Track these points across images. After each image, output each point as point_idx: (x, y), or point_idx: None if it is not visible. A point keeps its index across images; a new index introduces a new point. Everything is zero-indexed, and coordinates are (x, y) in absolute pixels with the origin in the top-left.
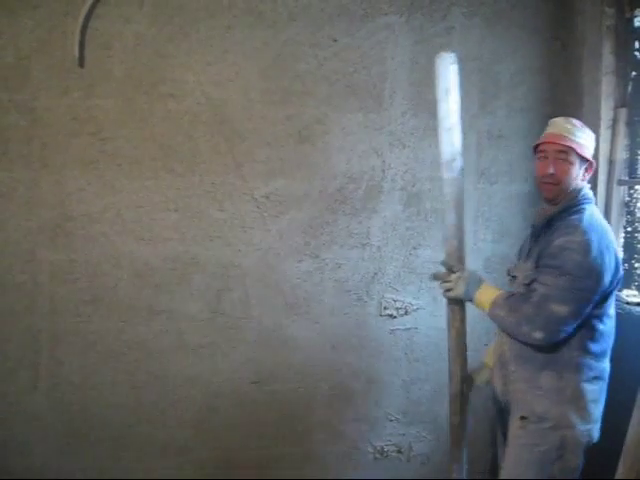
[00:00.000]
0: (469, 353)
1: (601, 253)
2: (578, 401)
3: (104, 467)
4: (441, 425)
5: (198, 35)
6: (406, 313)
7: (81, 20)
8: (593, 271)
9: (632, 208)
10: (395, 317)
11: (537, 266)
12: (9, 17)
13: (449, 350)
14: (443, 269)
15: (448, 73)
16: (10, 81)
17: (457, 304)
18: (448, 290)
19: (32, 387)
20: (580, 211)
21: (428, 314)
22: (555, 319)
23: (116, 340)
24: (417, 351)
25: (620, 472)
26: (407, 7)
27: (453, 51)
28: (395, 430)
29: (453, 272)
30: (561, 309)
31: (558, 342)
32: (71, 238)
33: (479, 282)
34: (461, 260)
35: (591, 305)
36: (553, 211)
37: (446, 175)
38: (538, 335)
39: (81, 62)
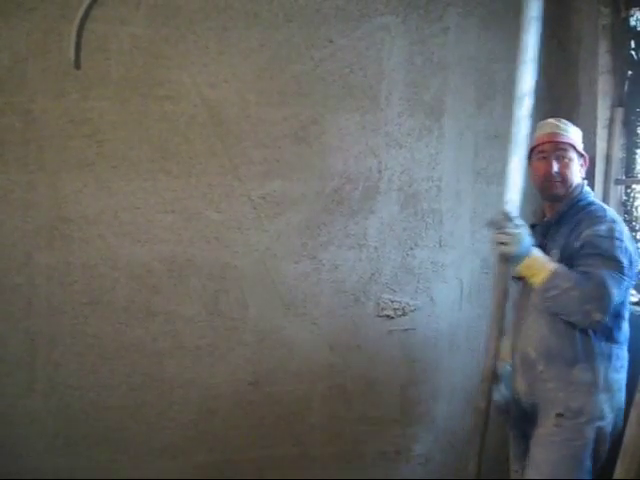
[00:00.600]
0: (466, 352)
1: (629, 240)
2: (608, 392)
3: (102, 469)
4: (439, 426)
5: (194, 36)
6: (403, 314)
7: (77, 22)
8: (628, 256)
9: (629, 207)
10: (393, 318)
11: (561, 259)
12: (5, 20)
13: (491, 317)
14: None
15: (535, 1)
16: (6, 84)
17: (505, 262)
18: (502, 244)
19: (29, 389)
20: (592, 203)
21: (425, 315)
22: (611, 302)
23: (113, 342)
24: (415, 352)
25: (619, 472)
26: (403, 7)
27: (449, 51)
28: (393, 431)
29: (512, 226)
30: (614, 292)
31: (589, 332)
32: (68, 240)
33: (531, 246)
34: (519, 215)
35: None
36: (561, 208)
37: (516, 113)
38: (598, 316)
39: (77, 64)
